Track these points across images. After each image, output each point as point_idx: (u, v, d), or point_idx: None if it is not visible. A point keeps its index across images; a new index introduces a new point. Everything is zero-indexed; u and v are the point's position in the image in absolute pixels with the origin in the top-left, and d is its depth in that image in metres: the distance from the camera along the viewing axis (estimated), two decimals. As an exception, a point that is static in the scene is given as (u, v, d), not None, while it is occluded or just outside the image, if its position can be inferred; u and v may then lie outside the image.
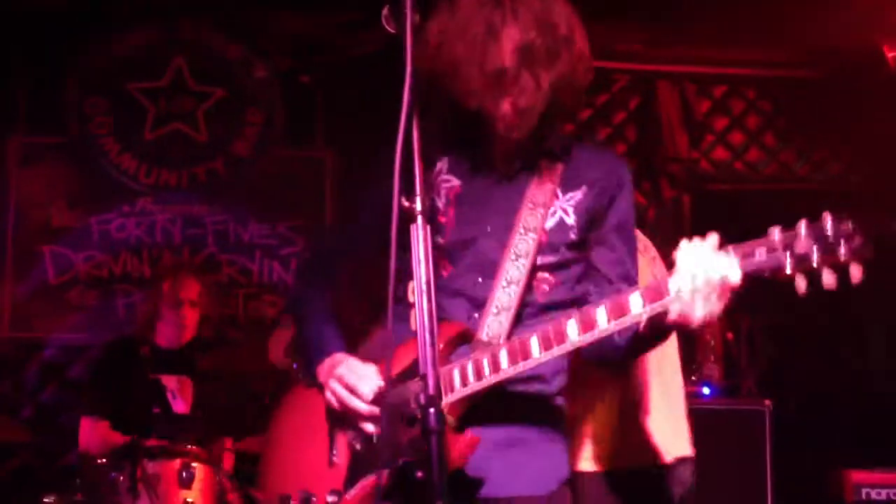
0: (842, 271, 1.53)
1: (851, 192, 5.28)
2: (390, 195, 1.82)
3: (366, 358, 1.97)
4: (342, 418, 1.95)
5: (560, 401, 2.03)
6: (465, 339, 1.91)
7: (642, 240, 2.79)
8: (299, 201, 4.85)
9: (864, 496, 3.97)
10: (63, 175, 4.72)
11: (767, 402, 3.99)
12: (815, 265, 1.53)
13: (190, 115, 4.85)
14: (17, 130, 4.69)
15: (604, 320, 1.73)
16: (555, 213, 1.97)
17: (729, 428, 3.73)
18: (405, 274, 1.85)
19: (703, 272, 1.63)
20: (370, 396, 1.88)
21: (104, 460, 3.30)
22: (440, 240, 1.97)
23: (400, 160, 1.69)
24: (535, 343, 1.78)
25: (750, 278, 1.60)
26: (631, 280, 1.99)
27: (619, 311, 1.72)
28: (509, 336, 1.88)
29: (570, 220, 1.97)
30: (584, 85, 2.01)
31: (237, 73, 4.88)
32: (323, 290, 2.13)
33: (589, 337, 1.75)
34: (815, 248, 1.53)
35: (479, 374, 1.81)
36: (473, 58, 1.87)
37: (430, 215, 1.86)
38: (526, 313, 1.94)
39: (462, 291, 1.96)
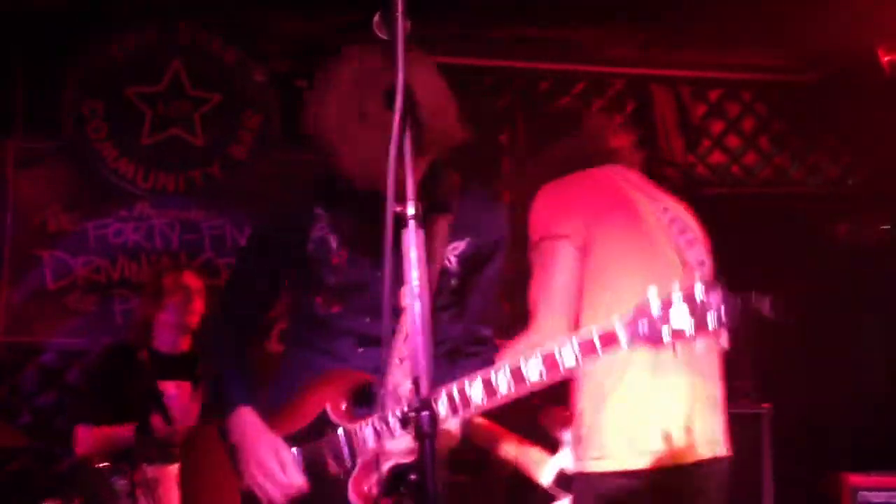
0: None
1: (848, 196, 5.30)
2: (286, 224, 2.09)
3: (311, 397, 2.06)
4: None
5: None
6: (367, 388, 2.03)
7: None
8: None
9: (861, 500, 3.97)
10: (60, 179, 4.72)
11: (766, 405, 4.00)
12: (688, 336, 1.70)
13: (187, 120, 4.86)
14: (14, 133, 4.69)
15: (478, 396, 1.86)
16: (441, 261, 2.09)
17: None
18: (322, 290, 2.05)
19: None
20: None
21: (104, 465, 3.30)
22: (332, 279, 2.08)
23: (393, 165, 1.71)
24: (441, 405, 1.87)
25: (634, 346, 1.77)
26: (489, 321, 2.21)
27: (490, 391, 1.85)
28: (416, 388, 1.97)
29: (453, 267, 2.11)
30: (457, 143, 2.11)
31: (234, 77, 4.89)
32: (240, 336, 2.20)
33: (489, 403, 1.86)
34: (689, 320, 1.69)
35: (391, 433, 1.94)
36: (347, 144, 1.95)
37: (325, 254, 2.07)
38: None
39: (350, 330, 2.08)
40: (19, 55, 4.63)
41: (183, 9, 4.75)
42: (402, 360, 2.01)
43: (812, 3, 4.36)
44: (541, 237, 2.36)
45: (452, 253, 2.12)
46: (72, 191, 4.71)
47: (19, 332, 4.61)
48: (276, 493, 1.98)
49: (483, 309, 2.20)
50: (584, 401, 2.32)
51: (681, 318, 1.71)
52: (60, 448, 3.89)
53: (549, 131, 2.70)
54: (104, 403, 3.67)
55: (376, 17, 1.72)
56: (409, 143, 1.65)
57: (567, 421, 2.43)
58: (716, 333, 1.70)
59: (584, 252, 2.32)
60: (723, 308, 1.68)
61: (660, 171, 5.16)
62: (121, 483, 3.23)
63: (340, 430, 2.00)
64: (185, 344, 3.84)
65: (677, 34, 4.93)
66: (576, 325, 2.28)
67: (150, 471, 3.25)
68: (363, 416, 2.00)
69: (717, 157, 5.37)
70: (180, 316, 3.78)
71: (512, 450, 2.59)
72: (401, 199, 1.63)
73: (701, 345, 1.75)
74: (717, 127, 5.37)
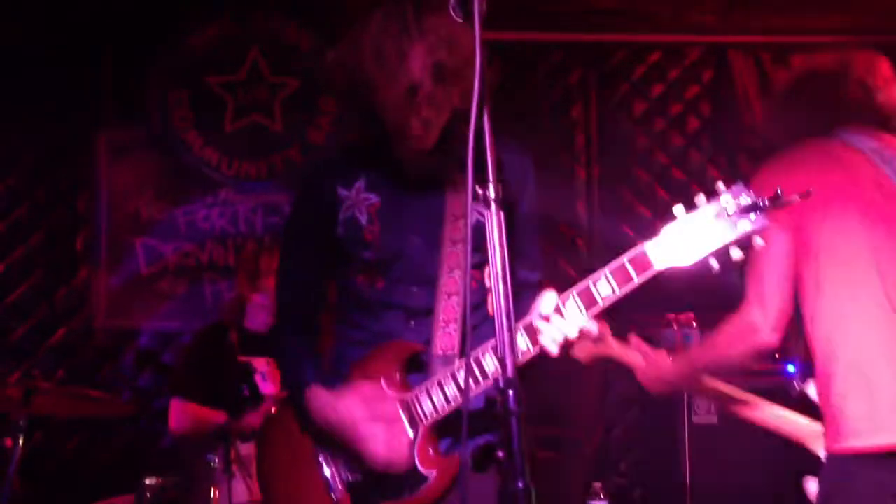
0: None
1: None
2: (314, 211, 2.12)
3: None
4: (339, 448, 2.08)
5: None
6: (418, 356, 2.07)
7: None
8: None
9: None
10: (150, 168, 4.89)
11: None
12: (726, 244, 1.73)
13: (266, 106, 4.97)
14: (105, 126, 4.87)
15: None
16: (473, 216, 2.05)
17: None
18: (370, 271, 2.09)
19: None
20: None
21: (199, 443, 3.42)
22: (369, 255, 2.11)
23: (472, 147, 1.73)
24: (488, 359, 1.95)
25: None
26: (532, 265, 2.19)
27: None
28: (461, 348, 2.04)
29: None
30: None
31: (311, 62, 4.97)
32: (300, 324, 2.25)
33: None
34: (720, 227, 1.71)
35: (447, 398, 2.00)
36: (386, 77, 1.96)
37: (357, 232, 2.11)
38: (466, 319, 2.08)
39: (397, 303, 2.11)
40: (106, 50, 4.79)
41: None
42: (447, 324, 2.05)
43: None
44: None
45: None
46: (161, 179, 4.88)
47: (118, 317, 4.81)
48: (380, 449, 2.01)
49: (523, 252, 2.14)
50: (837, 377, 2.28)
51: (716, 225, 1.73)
52: (160, 426, 4.06)
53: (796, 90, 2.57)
54: (198, 380, 3.80)
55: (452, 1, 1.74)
56: (488, 124, 1.67)
57: None
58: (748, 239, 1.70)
59: (799, 235, 2.30)
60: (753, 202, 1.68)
61: (742, 139, 5.06)
62: (216, 461, 3.31)
63: (397, 402, 2.04)
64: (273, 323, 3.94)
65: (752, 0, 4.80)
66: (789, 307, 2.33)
67: (244, 448, 3.34)
68: (417, 385, 2.04)
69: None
70: (270, 295, 3.88)
71: (779, 418, 2.58)
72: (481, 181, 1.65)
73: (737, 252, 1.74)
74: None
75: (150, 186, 4.86)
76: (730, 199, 1.74)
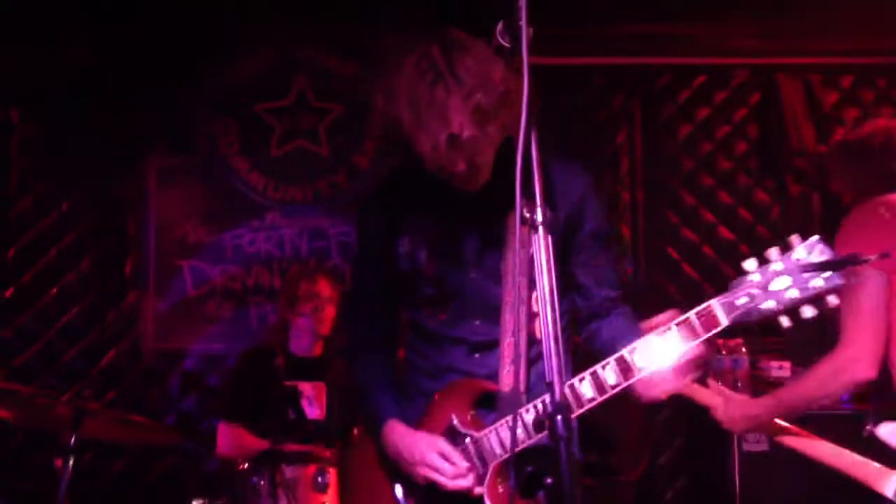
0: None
1: None
2: (376, 242, 2.11)
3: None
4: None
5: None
6: (486, 394, 2.04)
7: None
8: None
9: None
10: (197, 193, 4.97)
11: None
12: (797, 302, 1.68)
13: (312, 132, 5.03)
14: (154, 153, 4.98)
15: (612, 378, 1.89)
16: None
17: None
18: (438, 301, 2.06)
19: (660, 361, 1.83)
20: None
21: (245, 466, 3.44)
22: (430, 290, 2.09)
23: (520, 173, 1.73)
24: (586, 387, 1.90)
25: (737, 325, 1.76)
26: (610, 282, 2.13)
27: (601, 389, 1.90)
28: (527, 384, 2.00)
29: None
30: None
31: (354, 88, 5.03)
32: (377, 350, 2.24)
33: (600, 398, 1.90)
34: (792, 285, 1.66)
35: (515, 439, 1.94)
36: (425, 130, 1.93)
37: (416, 266, 2.08)
38: (532, 353, 2.04)
39: (460, 337, 2.09)
40: (156, 79, 4.89)
41: (299, 26, 4.92)
42: (512, 362, 2.02)
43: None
44: None
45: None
46: (208, 204, 4.96)
47: (165, 339, 4.88)
48: (449, 484, 2.00)
49: (596, 270, 2.13)
50: None
51: (785, 283, 1.67)
52: (205, 449, 4.09)
53: (856, 153, 2.78)
54: (244, 403, 3.82)
55: (499, 26, 1.74)
56: (536, 151, 1.67)
57: None
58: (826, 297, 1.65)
59: (891, 278, 2.46)
60: (832, 264, 1.63)
61: (789, 162, 4.99)
62: (262, 483, 3.32)
63: (468, 440, 2.03)
64: (318, 348, 3.96)
65: (801, 21, 4.75)
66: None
67: (288, 471, 3.35)
68: (490, 422, 2.03)
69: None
70: (311, 323, 3.90)
71: (839, 459, 2.64)
72: (530, 205, 1.64)
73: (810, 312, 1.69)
74: (852, 114, 5.13)
75: (198, 211, 4.95)
76: (804, 253, 1.69)
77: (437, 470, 2.00)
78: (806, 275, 1.66)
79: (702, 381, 2.67)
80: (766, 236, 5.01)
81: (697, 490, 4.31)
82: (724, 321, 1.76)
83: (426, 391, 2.14)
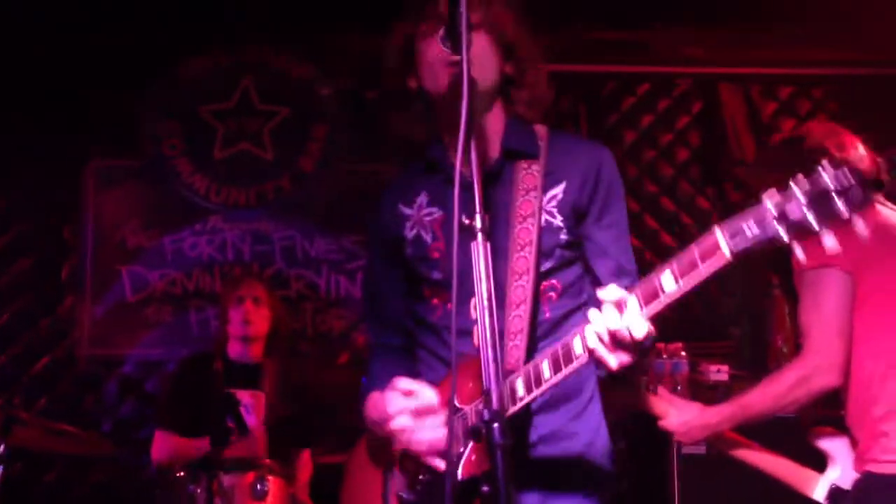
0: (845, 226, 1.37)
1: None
2: (384, 236, 2.05)
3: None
4: (397, 460, 1.97)
5: (602, 459, 1.99)
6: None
7: None
8: (364, 216, 4.90)
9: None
10: (138, 196, 4.88)
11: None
12: (814, 228, 1.38)
13: (256, 135, 4.98)
14: (94, 155, 4.87)
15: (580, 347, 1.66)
16: (541, 217, 1.94)
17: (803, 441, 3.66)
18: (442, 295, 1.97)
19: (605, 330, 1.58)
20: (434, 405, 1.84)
21: (181, 474, 3.38)
22: (437, 274, 2.00)
23: (458, 177, 1.71)
24: (545, 366, 1.71)
25: (742, 256, 1.46)
26: (622, 272, 1.94)
27: (567, 356, 1.67)
28: (526, 360, 1.83)
29: (557, 220, 1.95)
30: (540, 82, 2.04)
31: (301, 91, 4.98)
32: (391, 353, 2.15)
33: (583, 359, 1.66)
34: (809, 209, 1.38)
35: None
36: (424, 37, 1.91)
37: (423, 250, 2.01)
38: (540, 332, 1.93)
39: (466, 327, 1.86)
40: (96, 81, 4.78)
41: (249, 29, 4.87)
42: (514, 336, 1.88)
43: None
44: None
45: (550, 205, 1.96)
46: (149, 207, 4.87)
47: (102, 345, 4.76)
48: (421, 444, 1.85)
49: (607, 254, 1.97)
50: (883, 402, 2.39)
51: (802, 209, 1.38)
52: (142, 457, 4.01)
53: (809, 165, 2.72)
54: (182, 410, 3.75)
55: (441, 32, 1.74)
56: (475, 153, 1.66)
57: (836, 437, 2.57)
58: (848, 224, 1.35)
59: (854, 279, 2.40)
60: (855, 187, 1.35)
61: (729, 171, 5.08)
62: (198, 491, 3.26)
63: (458, 414, 1.85)
64: (256, 353, 3.90)
65: (744, 32, 4.85)
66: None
67: (226, 479, 3.29)
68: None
69: (788, 155, 5.24)
70: (239, 326, 3.85)
71: (771, 464, 2.65)
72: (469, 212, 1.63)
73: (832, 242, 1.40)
74: (789, 125, 5.25)
75: (138, 215, 4.85)
76: (828, 176, 1.39)
77: (401, 411, 1.84)
78: (829, 197, 1.38)
79: (651, 389, 2.63)
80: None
81: (638, 493, 4.35)
82: (726, 249, 1.46)
83: (433, 383, 1.97)
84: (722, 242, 1.46)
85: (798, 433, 2.69)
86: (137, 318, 4.77)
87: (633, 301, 1.58)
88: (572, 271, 1.99)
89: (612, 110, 5.23)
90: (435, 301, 2.04)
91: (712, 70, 5.17)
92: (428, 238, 2.03)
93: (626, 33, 4.90)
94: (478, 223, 1.64)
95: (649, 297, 1.57)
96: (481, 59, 1.87)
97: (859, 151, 2.67)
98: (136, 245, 4.83)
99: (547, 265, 1.94)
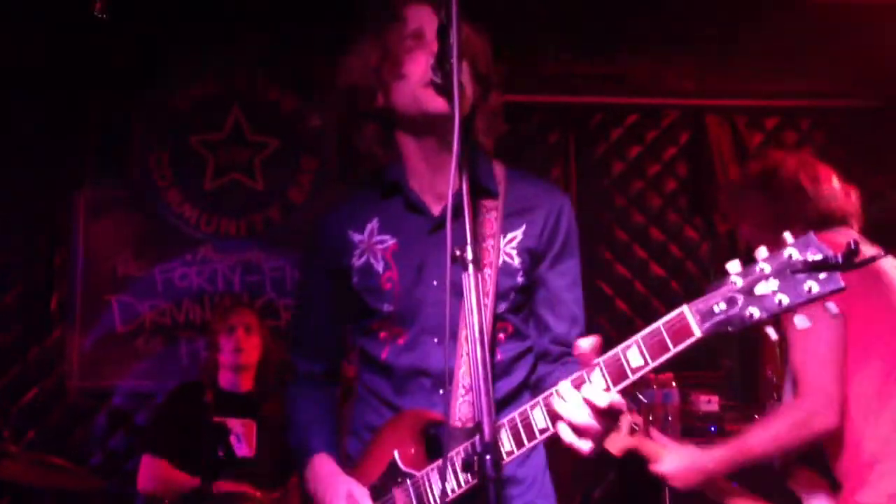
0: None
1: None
2: (325, 261, 1.94)
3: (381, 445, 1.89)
4: None
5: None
6: (435, 426, 1.84)
7: None
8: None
9: None
10: (128, 226, 4.86)
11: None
12: (784, 309, 1.37)
13: (247, 165, 4.99)
14: (85, 184, 4.86)
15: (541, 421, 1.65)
16: (499, 260, 1.89)
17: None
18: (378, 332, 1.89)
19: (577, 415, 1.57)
20: None
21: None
22: (389, 307, 1.90)
23: (452, 207, 1.72)
24: (505, 438, 1.69)
25: (710, 338, 1.47)
26: (574, 321, 1.93)
27: (529, 432, 1.66)
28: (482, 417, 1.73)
29: (515, 262, 1.91)
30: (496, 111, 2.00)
31: (292, 122, 5.01)
32: (315, 386, 2.07)
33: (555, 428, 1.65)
34: (781, 288, 1.37)
35: (458, 481, 1.72)
36: (400, 66, 1.87)
37: (373, 281, 1.90)
38: (494, 382, 1.82)
39: (421, 368, 1.88)
40: (88, 109, 4.80)
41: (240, 62, 4.90)
42: (468, 390, 1.82)
43: (869, 26, 4.31)
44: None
45: (509, 246, 1.91)
46: (139, 238, 4.85)
47: (92, 377, 4.73)
48: None
49: (558, 303, 1.92)
50: (869, 444, 2.37)
51: (772, 286, 1.36)
52: (131, 489, 3.97)
53: (781, 196, 2.66)
54: (171, 436, 3.73)
55: (432, 62, 1.75)
56: (466, 185, 1.63)
57: (816, 483, 2.54)
58: (822, 304, 1.35)
59: (846, 319, 2.38)
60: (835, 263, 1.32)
61: (717, 201, 5.12)
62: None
63: (408, 481, 1.82)
64: (247, 382, 3.89)
65: (730, 64, 4.91)
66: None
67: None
68: (434, 460, 1.80)
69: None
70: (231, 354, 3.84)
71: None
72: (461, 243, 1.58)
73: (803, 322, 1.39)
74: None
75: (128, 245, 4.84)
76: (795, 252, 1.38)
77: None
78: (799, 276, 1.37)
79: (644, 432, 2.54)
80: (695, 273, 5.13)
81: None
82: (698, 331, 1.46)
83: (375, 428, 1.95)
84: (693, 324, 1.48)
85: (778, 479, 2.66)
86: (127, 349, 4.75)
87: (598, 378, 1.57)
88: (522, 315, 1.95)
89: (601, 141, 5.28)
90: (382, 335, 1.94)
91: (699, 102, 5.23)
92: (379, 267, 1.92)
93: (612, 66, 4.96)
94: (468, 254, 1.62)
95: (617, 376, 1.57)
96: (464, 88, 1.82)
97: (833, 184, 2.65)
98: (126, 275, 4.82)
99: (502, 307, 1.89)
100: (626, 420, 2.35)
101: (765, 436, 2.44)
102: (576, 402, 1.58)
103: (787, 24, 4.34)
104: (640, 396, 3.36)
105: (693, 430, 3.95)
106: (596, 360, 1.59)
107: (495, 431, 1.68)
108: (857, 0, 4.20)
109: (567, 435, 1.60)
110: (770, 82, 5.11)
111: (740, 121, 5.25)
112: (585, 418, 1.58)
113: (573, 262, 1.98)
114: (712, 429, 3.94)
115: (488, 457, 1.51)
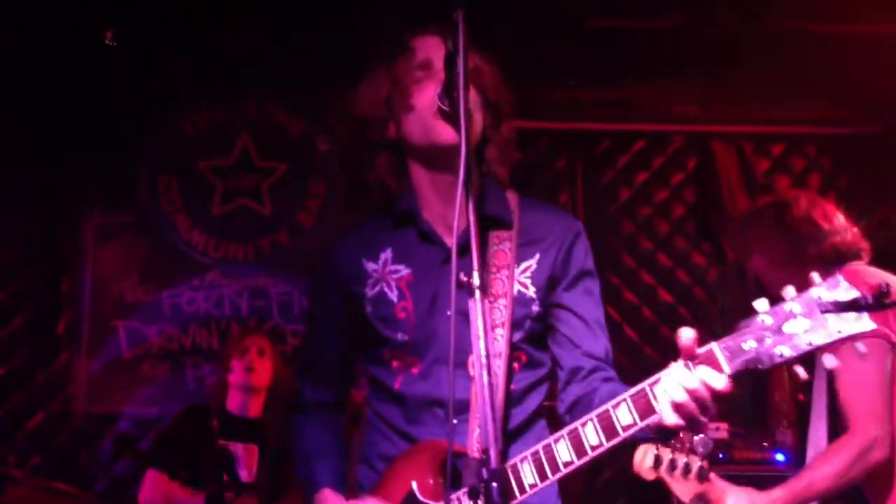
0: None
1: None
2: (338, 288, 1.93)
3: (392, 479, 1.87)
4: None
5: None
6: (454, 457, 1.77)
7: None
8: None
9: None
10: (136, 251, 4.89)
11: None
12: (816, 348, 1.39)
13: (255, 190, 5.01)
14: (93, 210, 4.89)
15: (595, 439, 1.64)
16: (513, 289, 1.88)
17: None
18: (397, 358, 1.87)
19: (680, 390, 1.52)
20: None
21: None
22: (403, 336, 1.89)
23: (458, 235, 1.72)
24: (527, 471, 1.69)
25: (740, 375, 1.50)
26: (600, 326, 1.92)
27: (611, 431, 1.62)
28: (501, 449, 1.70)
29: (530, 292, 1.90)
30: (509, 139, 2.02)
31: (300, 147, 5.04)
32: (323, 414, 2.06)
33: (582, 462, 1.65)
34: (811, 328, 1.39)
35: None
36: (409, 98, 1.89)
37: (387, 310, 1.89)
38: (507, 410, 1.86)
39: (435, 398, 1.86)
40: (95, 137, 4.83)
41: (248, 86, 4.93)
42: (483, 420, 1.71)
43: (876, 52, 4.32)
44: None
45: (523, 275, 1.90)
46: (147, 263, 4.87)
47: (98, 403, 4.73)
48: None
49: (583, 322, 1.92)
50: None
51: (801, 326, 1.39)
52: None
53: (795, 233, 2.71)
54: (176, 457, 3.73)
55: (439, 90, 1.76)
56: (473, 212, 1.63)
57: None
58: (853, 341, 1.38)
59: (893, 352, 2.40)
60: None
61: (724, 228, 5.11)
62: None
63: None
64: (255, 407, 3.89)
65: (737, 90, 4.93)
66: None
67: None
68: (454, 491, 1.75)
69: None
70: (242, 374, 3.83)
71: None
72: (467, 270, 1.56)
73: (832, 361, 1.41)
74: (783, 182, 5.30)
75: (136, 270, 4.86)
76: (825, 291, 1.41)
77: None
78: (828, 316, 1.39)
79: (703, 477, 2.43)
80: (703, 298, 5.11)
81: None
82: (727, 368, 1.49)
83: (388, 457, 1.92)
84: (721, 361, 1.50)
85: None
86: (134, 375, 4.75)
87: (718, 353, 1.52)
88: (536, 344, 1.93)
89: (608, 168, 5.28)
90: (395, 364, 1.92)
91: (705, 128, 5.24)
92: (393, 297, 1.91)
93: (619, 91, 4.98)
94: (476, 281, 1.60)
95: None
96: (473, 114, 1.84)
97: (842, 220, 2.69)
98: (134, 300, 4.83)
99: (517, 336, 1.88)
100: (695, 465, 2.31)
101: (827, 471, 2.43)
102: (705, 372, 1.52)
103: (790, 51, 4.36)
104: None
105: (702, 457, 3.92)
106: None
107: (515, 462, 1.70)
108: (858, 27, 4.23)
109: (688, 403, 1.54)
110: (776, 109, 5.12)
111: (747, 147, 5.25)
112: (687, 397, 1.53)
113: (593, 283, 1.98)
114: (721, 456, 3.90)
115: (494, 484, 1.49)
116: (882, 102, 4.90)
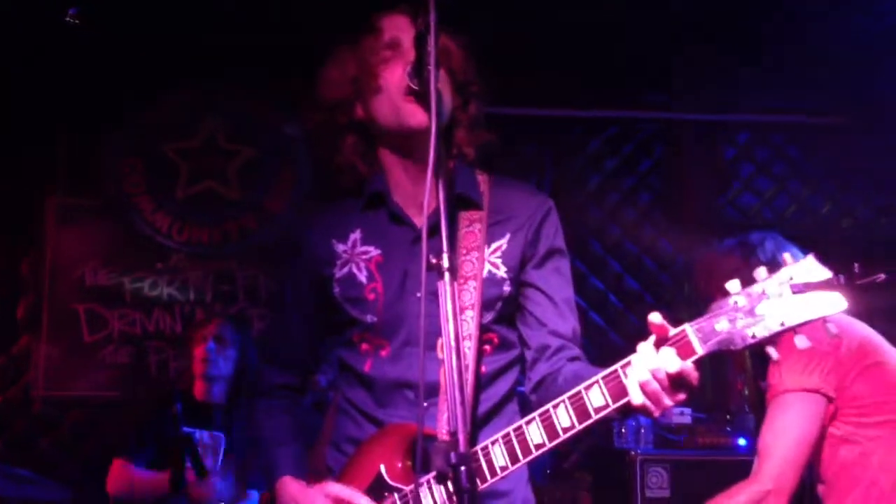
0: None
1: (882, 239, 5.23)
2: (307, 271, 1.91)
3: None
4: None
5: None
6: (427, 440, 1.75)
7: None
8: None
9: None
10: (98, 234, 4.80)
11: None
12: (789, 329, 1.41)
13: (221, 174, 4.94)
14: (54, 191, 4.79)
15: (567, 421, 1.64)
16: (483, 270, 1.87)
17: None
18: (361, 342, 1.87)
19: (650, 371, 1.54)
20: None
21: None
22: (372, 318, 1.88)
23: (427, 218, 1.71)
24: (498, 453, 1.69)
25: (713, 356, 1.51)
26: (570, 307, 1.92)
27: (583, 413, 1.62)
28: (471, 430, 1.75)
29: (501, 271, 1.89)
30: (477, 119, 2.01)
31: (267, 131, 4.97)
32: (283, 398, 2.04)
33: (554, 444, 1.65)
34: (783, 308, 1.40)
35: (448, 494, 1.69)
36: (378, 79, 1.87)
37: (356, 291, 1.88)
38: (478, 393, 1.85)
39: (404, 381, 1.85)
40: (59, 116, 4.74)
41: (216, 69, 4.86)
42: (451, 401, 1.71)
43: (843, 42, 4.37)
44: (786, 388, 2.37)
45: (493, 255, 1.89)
46: (110, 246, 4.79)
47: (58, 387, 4.65)
48: None
49: (552, 302, 1.90)
50: None
51: (773, 306, 1.39)
52: (98, 499, 3.91)
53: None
54: (141, 442, 3.69)
55: (409, 69, 1.74)
56: (443, 192, 1.61)
57: None
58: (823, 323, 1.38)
59: (837, 403, 2.38)
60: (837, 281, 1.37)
61: (692, 214, 5.15)
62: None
63: (396, 496, 1.79)
64: (220, 394, 3.85)
65: (706, 79, 4.96)
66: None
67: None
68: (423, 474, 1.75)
69: (747, 200, 5.34)
70: (199, 364, 3.80)
71: None
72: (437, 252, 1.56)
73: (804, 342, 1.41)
74: (748, 170, 5.35)
75: (98, 253, 4.77)
76: (797, 272, 1.42)
77: None
78: (800, 296, 1.40)
79: None
80: (669, 286, 5.15)
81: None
82: (701, 349, 1.50)
83: (357, 440, 1.90)
84: (695, 343, 1.51)
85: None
86: (95, 359, 4.67)
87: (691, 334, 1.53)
88: (507, 325, 1.93)
89: (577, 155, 5.29)
90: (364, 347, 1.91)
91: (675, 115, 5.26)
92: (362, 277, 1.90)
93: (588, 79, 4.99)
94: (445, 262, 1.58)
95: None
96: (442, 95, 1.82)
97: None
98: (95, 284, 4.75)
99: (488, 318, 1.87)
100: None
101: None
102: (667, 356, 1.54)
103: (756, 39, 4.40)
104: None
105: (665, 441, 3.95)
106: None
107: (486, 445, 1.70)
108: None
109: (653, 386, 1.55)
110: (743, 97, 5.16)
111: (714, 135, 5.28)
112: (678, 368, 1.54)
113: (563, 262, 1.97)
114: (682, 439, 3.96)
115: (463, 468, 1.48)
116: (847, 92, 4.96)
